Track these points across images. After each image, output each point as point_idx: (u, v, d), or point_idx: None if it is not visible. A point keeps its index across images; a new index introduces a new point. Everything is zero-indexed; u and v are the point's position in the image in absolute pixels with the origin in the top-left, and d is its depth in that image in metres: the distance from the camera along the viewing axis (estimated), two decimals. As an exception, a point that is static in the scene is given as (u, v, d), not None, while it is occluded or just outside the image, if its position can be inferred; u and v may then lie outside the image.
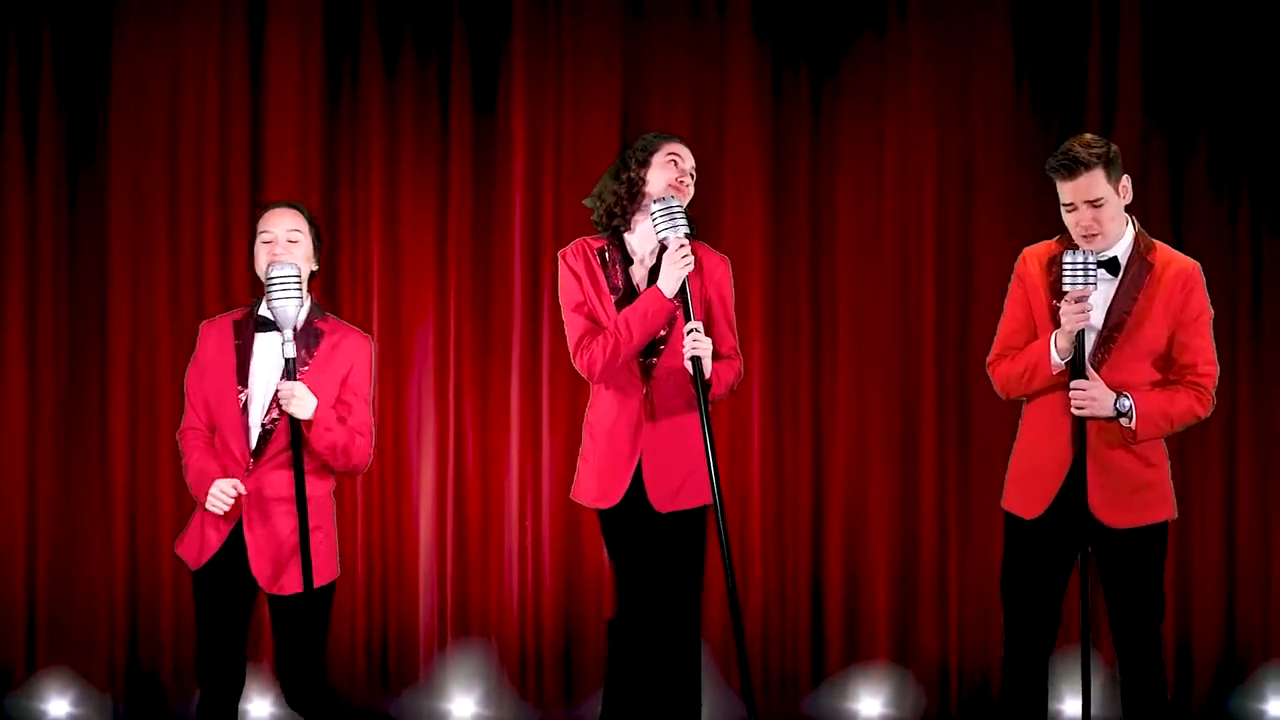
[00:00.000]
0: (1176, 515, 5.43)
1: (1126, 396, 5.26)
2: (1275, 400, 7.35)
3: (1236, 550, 7.37)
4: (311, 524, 5.20)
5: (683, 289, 5.36)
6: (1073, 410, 5.25)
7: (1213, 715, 7.30)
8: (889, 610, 7.36)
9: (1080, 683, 5.37)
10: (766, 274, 7.37)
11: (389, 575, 7.33)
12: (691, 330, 5.34)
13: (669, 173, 5.50)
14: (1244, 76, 7.34)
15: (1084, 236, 5.30)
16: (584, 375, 5.50)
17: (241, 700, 5.40)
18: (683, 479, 5.47)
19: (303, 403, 5.14)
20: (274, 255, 5.20)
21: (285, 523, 5.22)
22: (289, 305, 5.11)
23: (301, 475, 5.15)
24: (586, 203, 5.65)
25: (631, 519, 5.51)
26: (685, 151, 5.56)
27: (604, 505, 5.51)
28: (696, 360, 5.34)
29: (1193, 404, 5.34)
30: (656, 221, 5.35)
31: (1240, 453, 7.37)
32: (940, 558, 7.37)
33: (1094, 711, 5.57)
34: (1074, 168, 5.25)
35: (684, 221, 5.36)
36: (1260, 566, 7.37)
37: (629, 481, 5.47)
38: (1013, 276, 5.49)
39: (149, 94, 7.29)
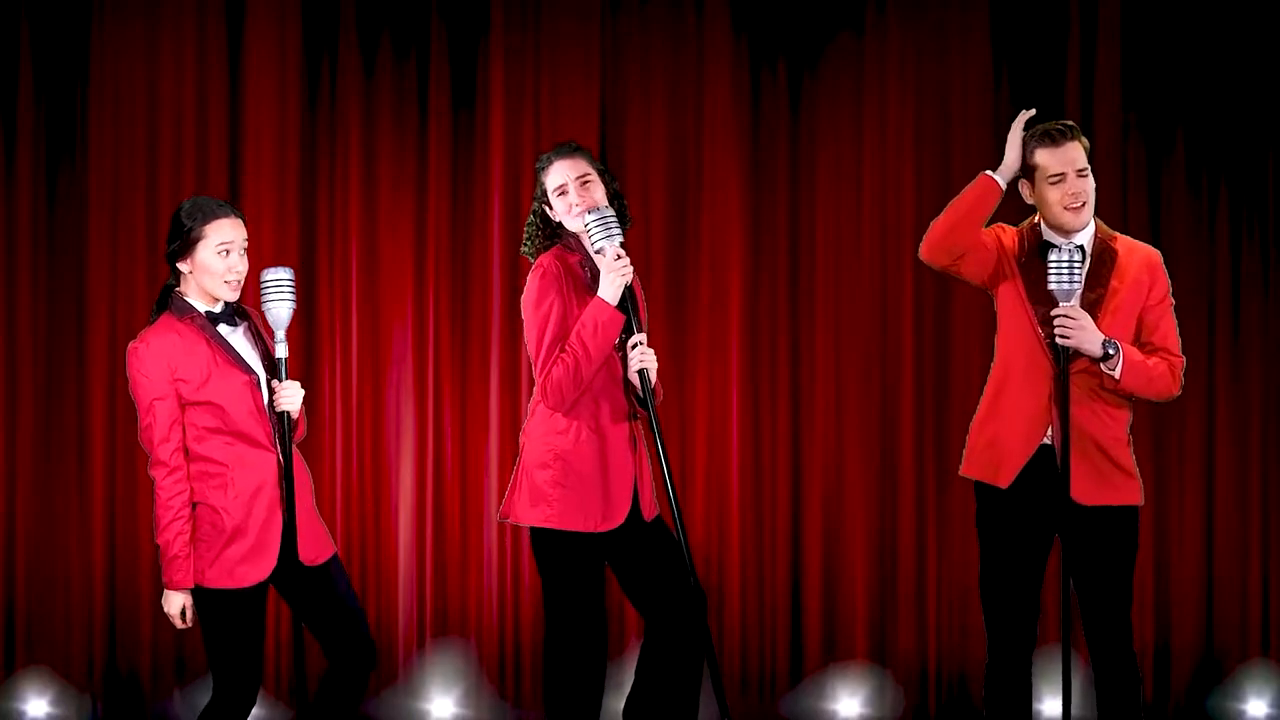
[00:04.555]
0: (1143, 502, 5.40)
1: (1114, 341, 5.24)
2: (1253, 398, 7.35)
3: (1215, 549, 7.37)
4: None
5: (624, 298, 5.28)
6: (1056, 339, 5.20)
7: (1191, 715, 7.30)
8: (867, 610, 7.35)
9: (1060, 682, 5.37)
10: (745, 270, 7.36)
11: (368, 574, 7.32)
12: (637, 344, 5.29)
13: (561, 206, 5.37)
14: (1222, 74, 7.33)
15: (1071, 208, 5.28)
16: (554, 407, 5.29)
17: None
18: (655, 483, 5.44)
19: (294, 399, 5.18)
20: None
21: (305, 497, 5.26)
22: (283, 307, 5.14)
23: (290, 468, 5.17)
24: (524, 250, 5.51)
25: (624, 534, 5.36)
26: (565, 169, 5.37)
27: (606, 528, 5.31)
28: (643, 373, 5.29)
29: (1167, 374, 5.33)
30: (592, 232, 5.26)
31: (1218, 452, 7.36)
32: (919, 557, 7.36)
33: (1074, 712, 5.53)
34: (1064, 134, 5.26)
35: (618, 230, 5.27)
36: (1238, 566, 7.36)
37: (631, 498, 5.35)
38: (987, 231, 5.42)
39: (128, 93, 7.28)
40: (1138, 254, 5.39)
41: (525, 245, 5.48)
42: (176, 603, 5.13)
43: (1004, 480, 5.33)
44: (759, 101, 7.39)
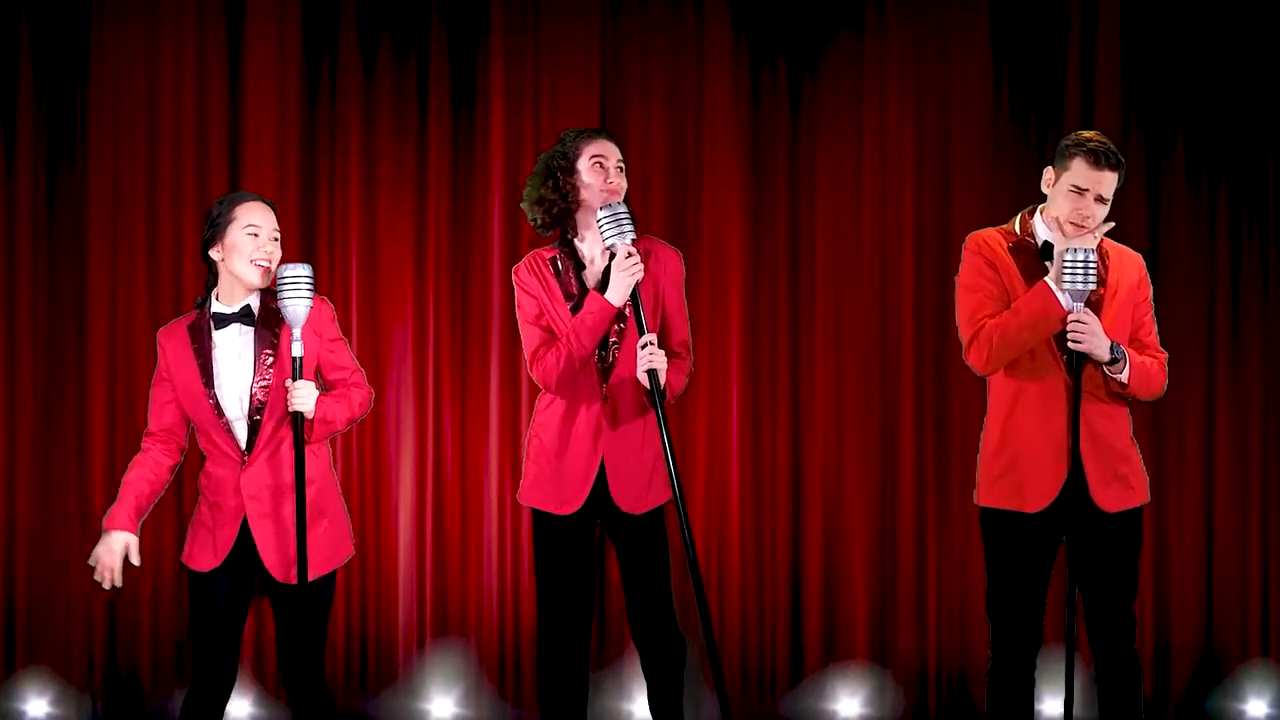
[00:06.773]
0: (1150, 499, 5.43)
1: (1118, 345, 5.25)
2: (1253, 399, 7.35)
3: (1215, 549, 7.36)
4: (318, 511, 5.27)
5: (634, 296, 5.29)
6: (1069, 344, 5.19)
7: (1191, 715, 7.30)
8: (867, 610, 7.35)
9: (1063, 682, 5.35)
10: (745, 270, 7.36)
11: (368, 574, 7.32)
12: (646, 344, 5.29)
13: (597, 177, 5.38)
14: (1222, 74, 7.33)
15: (1074, 224, 5.26)
16: (541, 385, 5.43)
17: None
18: (648, 478, 5.44)
19: (306, 399, 5.17)
20: None
21: (290, 510, 5.24)
22: (299, 305, 5.14)
23: (303, 470, 5.17)
24: (522, 205, 5.51)
25: (589, 524, 5.45)
26: (609, 147, 5.42)
27: (564, 511, 5.41)
28: (652, 373, 5.30)
29: (1160, 371, 5.37)
30: (604, 229, 5.26)
31: (1218, 452, 7.36)
32: (919, 557, 7.36)
33: (1076, 712, 5.52)
34: (1107, 160, 5.23)
35: (630, 227, 5.27)
36: (1238, 566, 7.36)
37: (591, 487, 5.41)
38: (971, 258, 5.37)
39: (128, 93, 7.29)
40: (1126, 254, 5.43)
41: (531, 213, 5.47)
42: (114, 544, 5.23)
43: (1034, 505, 5.29)
44: (759, 101, 7.39)
